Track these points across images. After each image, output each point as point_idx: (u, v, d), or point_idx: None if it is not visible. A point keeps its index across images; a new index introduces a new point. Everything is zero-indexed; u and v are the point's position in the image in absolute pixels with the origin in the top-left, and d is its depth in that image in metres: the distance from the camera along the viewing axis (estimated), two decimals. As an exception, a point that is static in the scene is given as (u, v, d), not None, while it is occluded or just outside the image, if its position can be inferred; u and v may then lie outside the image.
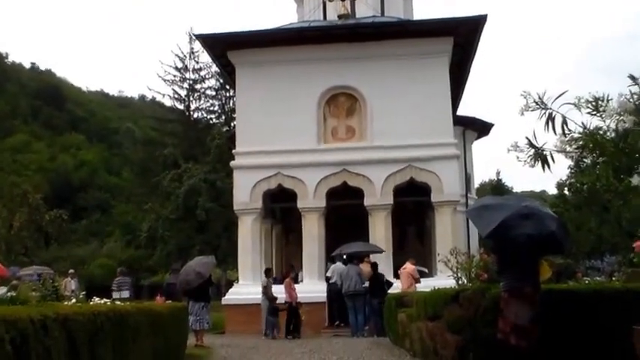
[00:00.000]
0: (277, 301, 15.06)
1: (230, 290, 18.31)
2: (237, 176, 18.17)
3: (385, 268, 16.21)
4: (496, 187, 47.09)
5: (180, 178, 32.85)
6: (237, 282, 18.55)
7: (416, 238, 21.83)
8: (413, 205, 19.54)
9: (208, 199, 31.28)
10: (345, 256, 15.96)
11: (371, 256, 16.47)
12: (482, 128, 26.35)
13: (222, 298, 18.00)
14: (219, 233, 31.61)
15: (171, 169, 34.28)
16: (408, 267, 14.22)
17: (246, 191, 17.79)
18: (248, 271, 17.55)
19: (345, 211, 19.18)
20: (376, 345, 11.67)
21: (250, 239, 17.77)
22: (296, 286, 15.80)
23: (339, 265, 16.13)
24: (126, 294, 15.94)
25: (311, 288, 16.39)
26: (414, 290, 12.57)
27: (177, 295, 13.13)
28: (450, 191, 17.37)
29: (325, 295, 16.43)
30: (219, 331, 17.37)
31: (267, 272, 15.85)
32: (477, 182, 46.81)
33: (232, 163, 18.43)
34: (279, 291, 15.34)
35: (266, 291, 15.05)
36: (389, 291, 14.26)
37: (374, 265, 15.36)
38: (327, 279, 16.51)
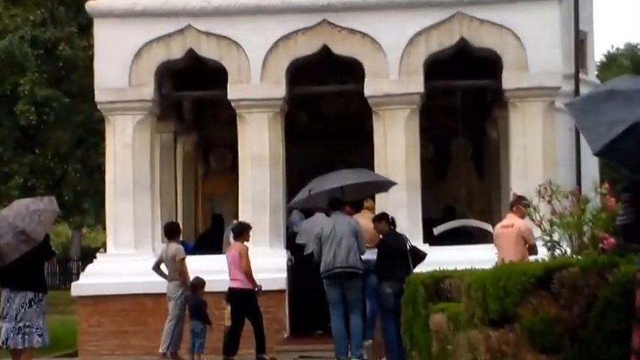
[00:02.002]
0: (205, 288, 15.32)
1: (88, 267, 18.53)
2: (102, 34, 18.26)
3: (407, 222, 16.50)
4: (640, 63, 47.57)
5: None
6: (104, 250, 18.83)
7: (469, 163, 22.06)
8: (464, 97, 19.78)
9: (42, 81, 31.05)
10: (330, 200, 16.08)
11: (376, 200, 16.73)
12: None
13: (73, 284, 18.37)
14: (66, 152, 31.66)
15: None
16: (516, 222, 14.07)
17: (120, 66, 17.83)
18: (126, 228, 17.82)
19: (327, 109, 19.19)
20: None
21: (131, 163, 17.94)
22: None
23: (314, 218, 16.37)
24: None
25: (257, 263, 16.62)
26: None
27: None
28: (543, 68, 17.52)
29: (284, 277, 16.82)
30: (67, 353, 17.64)
31: (171, 231, 16.02)
32: (600, 50, 47.11)
33: (90, 6, 18.36)
34: (210, 268, 15.65)
35: (181, 269, 15.28)
36: (415, 270, 14.42)
37: (383, 218, 15.52)
38: (292, 247, 16.79)
